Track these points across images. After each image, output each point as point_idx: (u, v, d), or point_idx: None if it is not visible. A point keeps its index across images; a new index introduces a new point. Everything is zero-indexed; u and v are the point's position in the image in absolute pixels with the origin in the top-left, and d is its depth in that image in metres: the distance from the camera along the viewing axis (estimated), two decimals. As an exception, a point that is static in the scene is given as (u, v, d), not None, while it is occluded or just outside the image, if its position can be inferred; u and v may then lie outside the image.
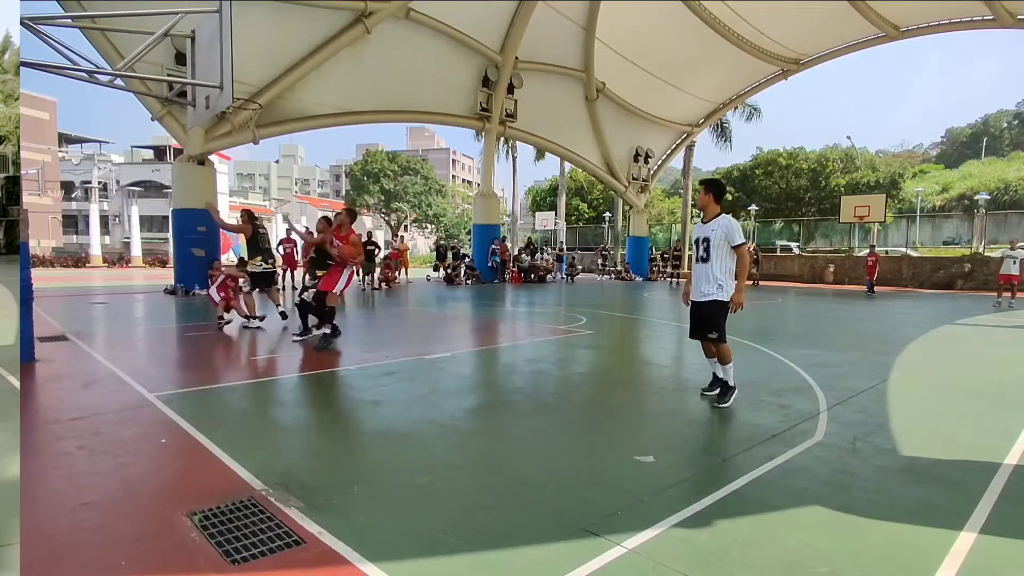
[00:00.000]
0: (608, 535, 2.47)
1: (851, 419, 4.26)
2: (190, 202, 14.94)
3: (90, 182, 39.01)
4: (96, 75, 9.50)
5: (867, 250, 21.41)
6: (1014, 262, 14.10)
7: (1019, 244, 14.13)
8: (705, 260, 4.62)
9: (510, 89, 20.36)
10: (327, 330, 7.08)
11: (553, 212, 35.84)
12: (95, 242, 36.91)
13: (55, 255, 36.54)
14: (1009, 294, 13.93)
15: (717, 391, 4.76)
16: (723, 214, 4.66)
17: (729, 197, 38.72)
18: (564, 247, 28.07)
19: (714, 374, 4.89)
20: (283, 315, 8.83)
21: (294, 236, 10.19)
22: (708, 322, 4.67)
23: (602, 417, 4.45)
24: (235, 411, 4.46)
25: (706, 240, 4.60)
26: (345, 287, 7.19)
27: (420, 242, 60.01)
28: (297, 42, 15.19)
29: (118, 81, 10.72)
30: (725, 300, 4.62)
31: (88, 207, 39.71)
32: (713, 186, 4.74)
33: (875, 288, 18.52)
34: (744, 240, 4.57)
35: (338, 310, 7.80)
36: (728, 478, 3.11)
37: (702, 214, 4.84)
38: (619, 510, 2.73)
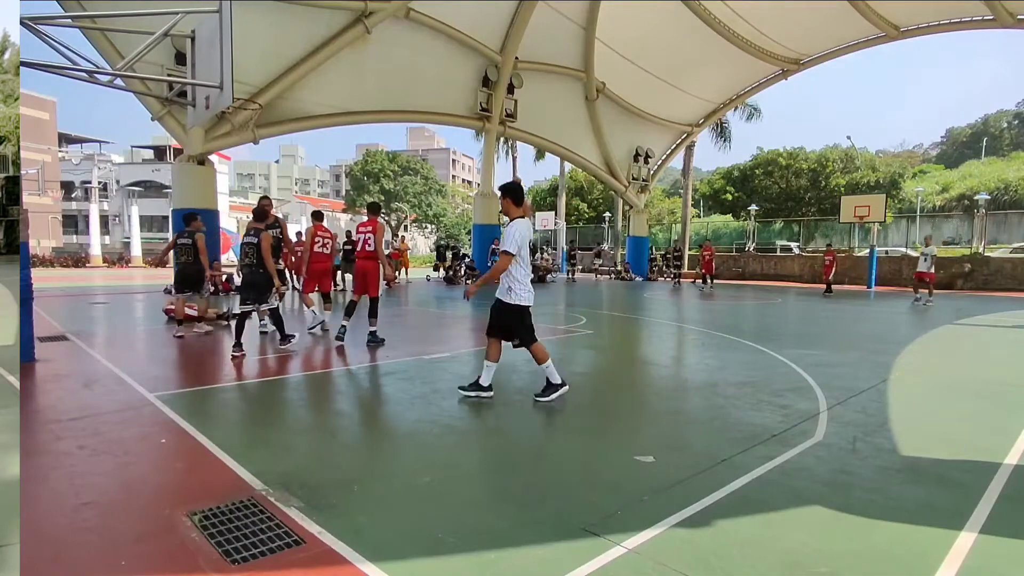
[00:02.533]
0: (608, 535, 2.47)
1: (851, 419, 4.25)
2: (190, 202, 14.94)
3: (90, 182, 38.99)
4: (96, 75, 9.49)
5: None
6: (925, 259, 14.56)
7: (932, 242, 14.68)
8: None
9: (510, 89, 20.36)
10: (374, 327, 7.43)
11: (553, 212, 35.85)
12: (95, 242, 36.88)
13: (55, 255, 36.50)
14: (926, 291, 14.25)
15: (473, 393, 4.74)
16: (521, 219, 4.62)
17: (729, 197, 38.78)
18: (575, 246, 28.03)
19: (478, 380, 4.85)
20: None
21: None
22: (503, 329, 4.73)
23: (602, 417, 4.45)
24: (235, 411, 4.46)
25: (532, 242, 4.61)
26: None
27: (420, 242, 60.03)
28: (297, 42, 15.19)
29: (118, 81, 10.71)
30: (512, 303, 4.62)
31: (88, 207, 39.70)
32: (509, 191, 4.67)
33: (833, 288, 18.12)
34: (508, 250, 4.51)
35: (338, 310, 7.88)
36: (728, 478, 3.11)
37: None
38: (619, 510, 2.73)
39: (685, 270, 28.99)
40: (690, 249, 31.20)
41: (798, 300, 15.93)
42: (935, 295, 14.56)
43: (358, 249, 7.43)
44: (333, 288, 15.62)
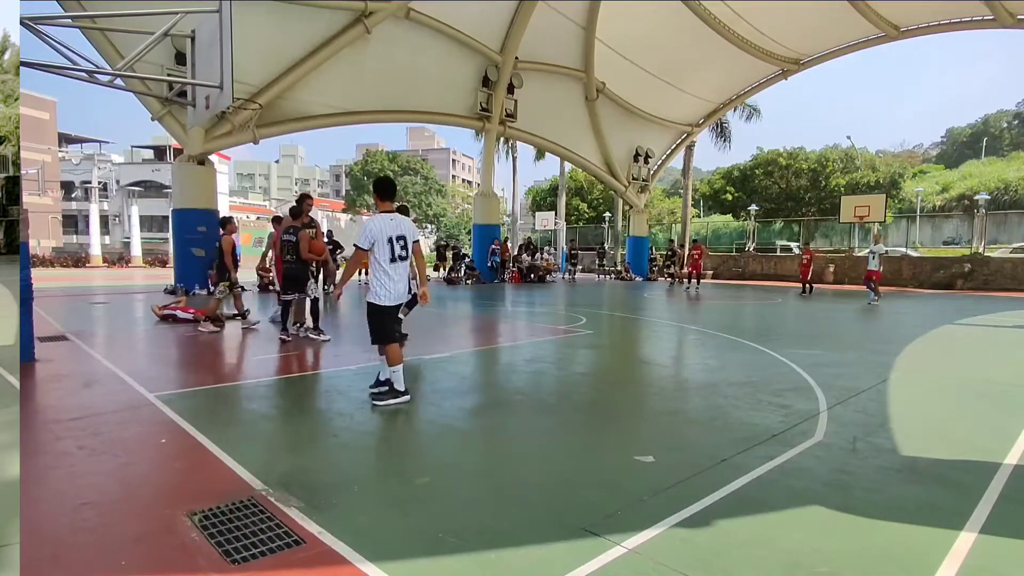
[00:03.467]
0: (608, 535, 2.47)
1: (851, 419, 4.26)
2: (190, 202, 14.95)
3: (90, 182, 38.97)
4: (96, 75, 9.50)
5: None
6: (873, 257, 14.53)
7: (880, 240, 14.97)
8: (404, 259, 4.55)
9: (510, 89, 20.36)
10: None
11: (553, 212, 35.85)
12: (95, 242, 36.86)
13: (55, 255, 36.49)
14: (874, 289, 14.32)
15: (384, 390, 4.63)
16: (384, 213, 4.51)
17: (729, 197, 38.78)
18: (576, 246, 28.10)
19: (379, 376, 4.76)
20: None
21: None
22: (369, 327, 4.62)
23: (602, 417, 4.45)
24: (235, 411, 4.46)
25: (401, 238, 4.50)
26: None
27: (420, 242, 60.03)
28: (297, 42, 15.19)
29: (118, 81, 10.72)
30: (368, 301, 4.53)
31: (88, 207, 39.67)
32: (376, 186, 4.64)
33: (813, 287, 17.77)
34: (357, 243, 4.49)
35: (336, 310, 8.00)
36: (728, 478, 3.11)
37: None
38: (619, 510, 2.73)
39: (684, 270, 29.09)
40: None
41: (798, 300, 15.93)
42: (881, 295, 14.53)
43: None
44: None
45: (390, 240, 4.44)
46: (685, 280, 20.67)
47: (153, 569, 2.25)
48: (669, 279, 23.54)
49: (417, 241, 4.66)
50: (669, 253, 24.06)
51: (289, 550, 2.35)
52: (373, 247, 4.43)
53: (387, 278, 4.46)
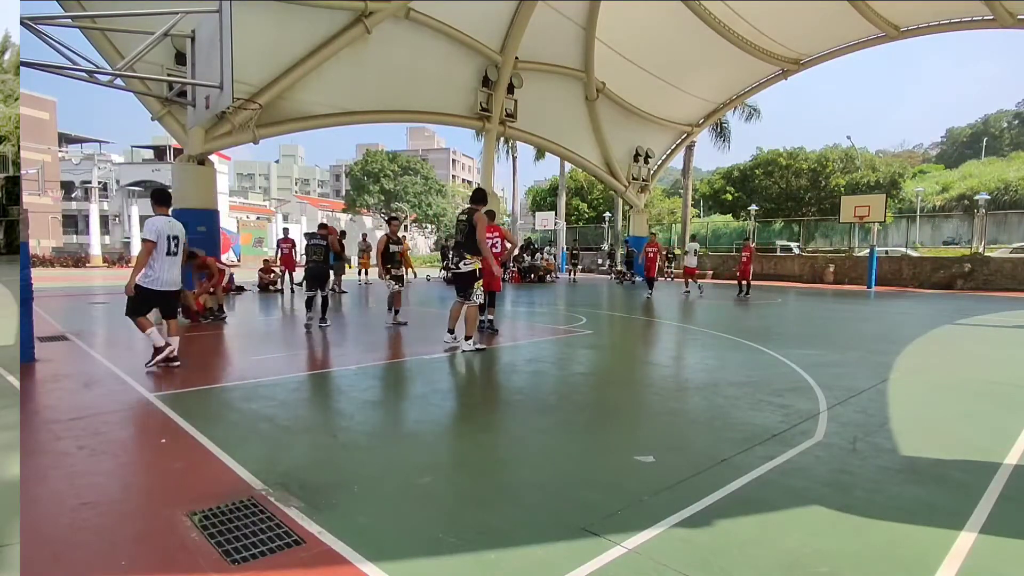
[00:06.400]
0: (608, 535, 2.47)
1: (851, 419, 4.25)
2: (190, 202, 14.93)
3: (90, 182, 38.97)
4: (96, 75, 9.49)
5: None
6: (690, 254, 16.37)
7: (696, 240, 16.04)
8: (175, 254, 5.65)
9: (510, 89, 20.35)
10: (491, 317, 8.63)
11: (553, 212, 35.85)
12: (95, 242, 36.86)
13: (55, 255, 36.51)
14: (694, 283, 15.66)
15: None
16: (161, 216, 5.62)
17: (729, 197, 38.78)
18: (578, 245, 28.20)
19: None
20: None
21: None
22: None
23: (602, 417, 4.45)
24: (235, 411, 4.46)
25: (176, 238, 5.62)
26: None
27: (420, 242, 60.03)
28: (297, 42, 15.18)
29: (118, 81, 10.71)
30: (140, 284, 5.50)
31: (88, 207, 39.68)
32: (153, 195, 5.76)
33: (750, 290, 16.17)
34: (147, 237, 5.43)
35: (335, 310, 8.22)
36: (728, 478, 3.11)
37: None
38: (619, 510, 2.73)
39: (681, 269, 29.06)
40: (678, 249, 31.23)
41: (798, 300, 15.93)
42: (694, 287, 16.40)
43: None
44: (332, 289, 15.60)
45: (167, 238, 5.55)
46: (629, 278, 20.41)
47: (153, 569, 2.25)
48: (617, 278, 24.06)
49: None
50: (668, 256, 24.17)
51: (289, 550, 2.35)
52: (157, 242, 5.47)
53: (160, 267, 5.54)
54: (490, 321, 8.54)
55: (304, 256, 10.03)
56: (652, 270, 16.29)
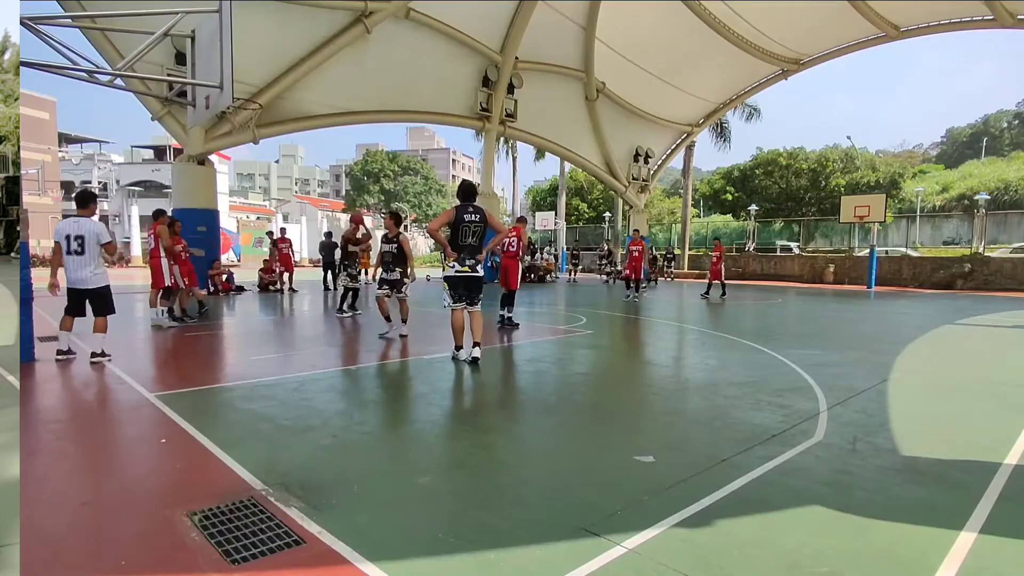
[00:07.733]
0: (608, 535, 2.47)
1: (851, 419, 4.25)
2: (190, 202, 14.96)
3: (90, 182, 39.01)
4: (96, 75, 9.50)
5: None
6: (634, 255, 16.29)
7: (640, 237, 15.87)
8: (80, 253, 5.90)
9: (510, 89, 20.36)
10: (510, 314, 9.20)
11: (553, 212, 35.84)
12: (95, 242, 36.79)
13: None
14: (634, 283, 15.14)
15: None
16: (76, 216, 5.99)
17: (729, 197, 38.79)
18: (579, 245, 28.32)
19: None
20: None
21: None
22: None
23: (602, 417, 4.45)
24: (235, 411, 4.46)
25: (79, 237, 5.90)
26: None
27: (420, 242, 60.05)
28: (297, 42, 15.19)
29: (118, 81, 10.72)
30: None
31: (88, 207, 39.59)
32: (76, 197, 6.16)
33: (725, 290, 15.42)
34: (56, 239, 5.87)
35: (335, 310, 8.44)
36: (728, 478, 3.10)
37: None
38: (619, 510, 2.72)
39: (685, 270, 29.08)
40: (690, 249, 31.23)
41: (798, 300, 15.93)
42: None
43: (504, 250, 9.37)
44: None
45: (67, 237, 5.85)
46: (616, 279, 20.46)
47: (153, 569, 2.25)
48: (605, 278, 24.08)
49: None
50: (606, 252, 24.54)
51: (289, 550, 2.35)
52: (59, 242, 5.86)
53: (67, 267, 5.91)
54: (509, 318, 9.12)
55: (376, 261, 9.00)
56: (637, 271, 14.91)
